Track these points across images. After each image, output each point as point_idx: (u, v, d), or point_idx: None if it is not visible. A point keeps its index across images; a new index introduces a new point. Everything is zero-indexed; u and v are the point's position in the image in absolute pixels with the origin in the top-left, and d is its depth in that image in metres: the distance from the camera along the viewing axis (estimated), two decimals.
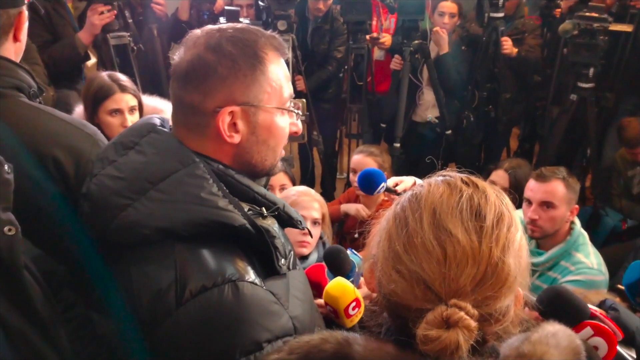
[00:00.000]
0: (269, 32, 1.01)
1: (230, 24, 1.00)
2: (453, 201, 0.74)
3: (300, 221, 1.07)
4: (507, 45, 3.59)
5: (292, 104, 1.04)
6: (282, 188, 2.44)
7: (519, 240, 0.75)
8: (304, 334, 0.80)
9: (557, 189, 2.14)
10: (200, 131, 0.96)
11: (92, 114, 2.13)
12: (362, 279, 1.41)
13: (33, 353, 0.95)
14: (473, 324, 0.67)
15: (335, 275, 1.34)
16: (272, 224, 0.96)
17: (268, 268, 0.94)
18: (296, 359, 0.73)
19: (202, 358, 0.84)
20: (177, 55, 0.99)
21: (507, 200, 0.78)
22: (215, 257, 0.89)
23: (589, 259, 2.11)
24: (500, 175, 2.70)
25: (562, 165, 3.36)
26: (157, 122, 1.02)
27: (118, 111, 2.13)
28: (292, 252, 1.00)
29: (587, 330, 1.09)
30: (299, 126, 1.07)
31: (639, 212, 3.24)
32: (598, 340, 1.08)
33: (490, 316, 0.70)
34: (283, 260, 0.95)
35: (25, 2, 1.23)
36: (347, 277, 1.34)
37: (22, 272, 0.93)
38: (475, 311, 0.68)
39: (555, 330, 0.73)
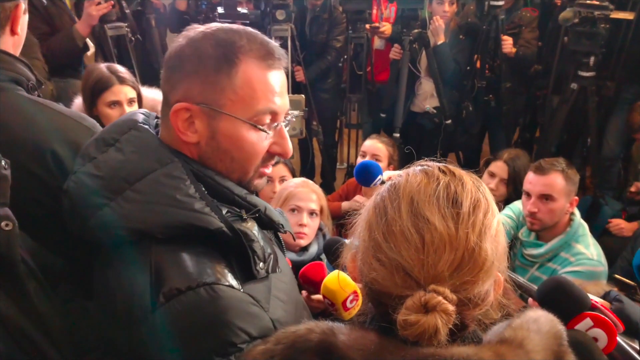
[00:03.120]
0: (270, 40, 0.96)
1: (233, 25, 0.97)
2: (430, 189, 0.75)
3: (282, 224, 1.05)
4: (507, 45, 3.58)
5: (283, 121, 0.98)
6: (282, 180, 2.43)
7: (496, 226, 0.76)
8: None
9: (556, 182, 2.13)
10: (167, 124, 0.95)
11: (90, 106, 2.13)
12: None
13: (31, 347, 0.95)
14: (451, 308, 0.68)
15: (335, 267, 1.34)
16: (251, 227, 0.93)
17: (247, 271, 0.91)
18: (282, 349, 0.74)
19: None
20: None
21: (484, 187, 0.79)
22: (192, 260, 0.87)
23: (589, 250, 2.11)
24: (499, 166, 2.70)
25: (562, 154, 3.37)
26: (140, 118, 1.00)
27: (117, 103, 2.12)
28: (272, 256, 0.96)
29: (587, 322, 1.09)
30: (285, 148, 1.00)
31: None
32: (598, 332, 1.08)
33: (469, 300, 0.71)
34: (261, 264, 0.92)
35: None
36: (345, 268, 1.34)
37: (19, 267, 0.93)
38: (453, 296, 0.69)
39: (537, 316, 0.75)
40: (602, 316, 1.09)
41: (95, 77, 2.13)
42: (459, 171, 0.80)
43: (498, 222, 0.77)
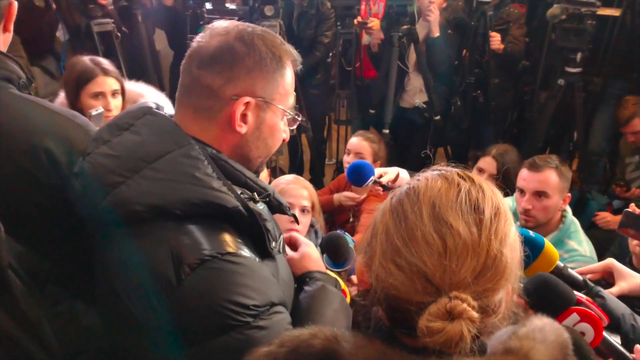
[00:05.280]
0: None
1: (257, 27, 1.04)
2: (452, 195, 0.75)
3: (288, 208, 1.11)
4: (495, 41, 3.59)
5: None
6: None
7: (514, 233, 0.77)
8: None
9: (550, 179, 2.13)
10: (210, 115, 0.99)
11: (74, 98, 2.10)
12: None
13: (20, 352, 0.94)
14: (475, 315, 0.68)
15: (334, 263, 1.35)
16: (263, 209, 0.99)
17: (259, 251, 0.96)
18: (285, 352, 0.73)
19: (208, 326, 0.85)
20: (201, 38, 1.02)
21: (500, 195, 0.80)
22: (208, 234, 0.90)
23: (582, 247, 2.12)
24: (487, 162, 2.69)
25: (549, 149, 3.39)
26: (153, 105, 1.03)
27: (101, 94, 2.10)
28: (281, 236, 1.04)
29: (574, 317, 1.10)
30: (287, 134, 1.11)
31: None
32: (584, 326, 1.10)
33: (488, 307, 0.72)
34: (274, 242, 0.98)
35: None
36: (345, 264, 1.35)
37: (6, 272, 0.92)
38: (475, 303, 0.69)
39: (542, 325, 0.74)
40: (589, 310, 1.11)
41: (79, 69, 2.11)
42: (477, 177, 0.80)
43: (515, 230, 0.78)
